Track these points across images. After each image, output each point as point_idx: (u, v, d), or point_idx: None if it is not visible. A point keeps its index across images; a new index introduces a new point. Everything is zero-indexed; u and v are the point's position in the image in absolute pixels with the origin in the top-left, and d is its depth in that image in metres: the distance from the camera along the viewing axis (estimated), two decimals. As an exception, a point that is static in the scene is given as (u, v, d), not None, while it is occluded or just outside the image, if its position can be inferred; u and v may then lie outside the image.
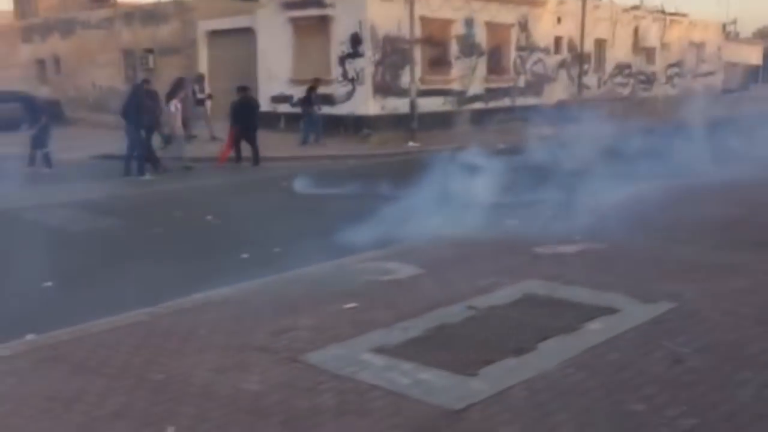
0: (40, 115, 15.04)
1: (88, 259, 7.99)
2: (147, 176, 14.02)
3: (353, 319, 5.39)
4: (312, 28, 21.65)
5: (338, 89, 21.25)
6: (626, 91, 31.06)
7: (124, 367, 4.57)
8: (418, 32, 20.88)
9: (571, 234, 7.85)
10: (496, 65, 24.86)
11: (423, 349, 4.77)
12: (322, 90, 19.89)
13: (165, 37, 25.79)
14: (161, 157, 15.05)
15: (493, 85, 24.58)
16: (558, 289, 6.03)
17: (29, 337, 5.18)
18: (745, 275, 6.39)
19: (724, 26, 41.83)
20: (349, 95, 21.15)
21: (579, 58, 28.17)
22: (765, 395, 4.10)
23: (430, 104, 21.47)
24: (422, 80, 21.48)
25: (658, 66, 33.67)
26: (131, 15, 27.76)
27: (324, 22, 21.35)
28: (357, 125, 20.69)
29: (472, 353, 4.66)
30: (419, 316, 5.40)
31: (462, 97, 23.48)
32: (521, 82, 25.82)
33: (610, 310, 5.46)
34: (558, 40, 27.57)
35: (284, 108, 21.92)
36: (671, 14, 35.02)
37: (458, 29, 23.20)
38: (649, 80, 33.05)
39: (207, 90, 20.70)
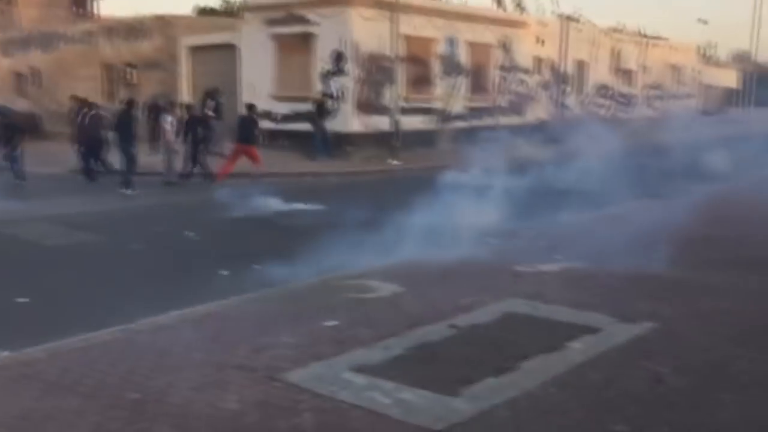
0: (15, 131, 15.28)
1: (64, 274, 7.87)
2: (129, 191, 14.07)
3: (334, 337, 5.33)
4: (295, 45, 21.68)
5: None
6: (606, 112, 31.40)
7: (98, 386, 4.48)
8: (401, 50, 21.01)
9: (551, 253, 7.87)
10: (478, 85, 25.05)
11: (404, 368, 4.73)
12: (302, 107, 19.77)
13: (147, 51, 25.69)
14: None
15: (474, 104, 24.74)
16: (539, 308, 6.02)
17: (2, 354, 5.07)
18: (724, 295, 6.43)
19: (703, 51, 42.51)
20: (332, 113, 21.18)
21: (560, 78, 28.46)
22: (746, 416, 4.10)
23: (412, 122, 21.55)
24: (405, 98, 21.59)
25: (638, 88, 34.11)
26: (113, 29, 27.63)
27: (307, 39, 21.39)
28: (339, 143, 20.69)
29: (454, 372, 4.62)
30: (401, 334, 5.36)
31: (444, 116, 23.61)
32: (503, 101, 26.03)
33: (592, 330, 5.46)
34: (539, 61, 27.88)
35: (267, 124, 21.84)
36: (651, 37, 35.55)
37: (441, 48, 23.38)
38: (629, 102, 33.47)
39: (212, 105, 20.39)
